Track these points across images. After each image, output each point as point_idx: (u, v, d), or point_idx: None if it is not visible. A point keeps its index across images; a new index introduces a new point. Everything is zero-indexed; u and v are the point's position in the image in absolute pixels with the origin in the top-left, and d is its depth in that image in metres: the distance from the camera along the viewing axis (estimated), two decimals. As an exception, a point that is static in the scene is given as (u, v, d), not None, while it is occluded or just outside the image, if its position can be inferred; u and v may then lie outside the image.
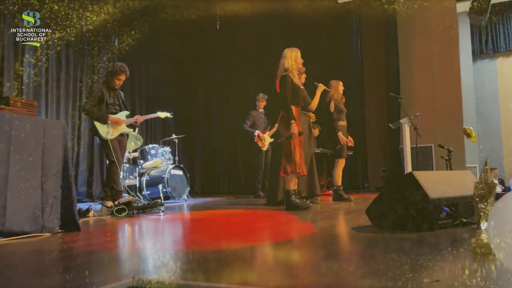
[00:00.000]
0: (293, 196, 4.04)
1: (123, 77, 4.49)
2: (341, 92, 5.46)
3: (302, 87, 4.45)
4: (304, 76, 4.84)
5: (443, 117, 7.69)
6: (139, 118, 4.62)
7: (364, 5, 8.64)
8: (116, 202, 4.16)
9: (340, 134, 5.22)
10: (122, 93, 4.71)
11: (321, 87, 4.86)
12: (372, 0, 8.24)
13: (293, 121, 4.07)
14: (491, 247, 1.31)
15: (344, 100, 5.51)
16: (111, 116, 4.39)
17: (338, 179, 5.26)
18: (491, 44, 10.44)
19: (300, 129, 4.21)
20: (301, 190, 4.61)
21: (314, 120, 5.21)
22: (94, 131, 4.40)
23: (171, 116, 5.38)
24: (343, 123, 5.35)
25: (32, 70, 5.98)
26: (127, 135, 4.74)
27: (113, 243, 2.31)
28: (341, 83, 5.49)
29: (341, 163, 5.30)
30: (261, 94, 7.08)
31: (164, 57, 8.85)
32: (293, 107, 4.17)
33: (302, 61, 4.33)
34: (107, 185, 4.41)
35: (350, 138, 5.45)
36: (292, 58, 4.20)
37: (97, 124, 4.34)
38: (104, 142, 4.38)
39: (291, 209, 3.95)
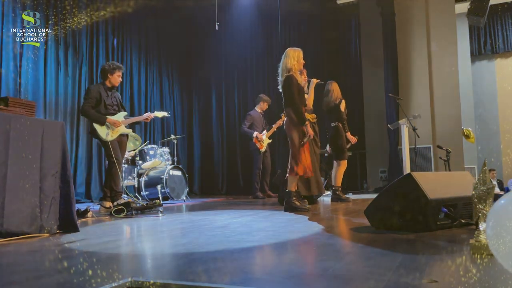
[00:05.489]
0: (294, 198, 4.04)
1: (120, 73, 4.53)
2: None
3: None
4: (303, 76, 4.80)
5: (442, 118, 7.72)
6: (151, 115, 4.71)
7: (363, 5, 8.66)
8: (115, 203, 4.16)
9: (349, 134, 5.22)
10: (119, 95, 4.72)
11: (314, 82, 4.82)
12: (371, 1, 8.25)
13: (307, 122, 4.11)
14: (490, 247, 1.31)
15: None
16: (109, 118, 4.36)
17: (339, 180, 5.25)
18: (489, 45, 10.46)
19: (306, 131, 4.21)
20: (301, 190, 4.60)
21: (314, 121, 5.13)
22: (94, 133, 4.37)
23: (169, 115, 5.38)
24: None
25: (31, 70, 5.97)
26: (127, 135, 4.74)
27: (111, 243, 2.31)
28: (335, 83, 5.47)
29: (343, 165, 5.26)
30: (264, 96, 7.01)
31: (164, 57, 8.85)
32: None
33: (304, 62, 4.31)
34: (107, 185, 4.39)
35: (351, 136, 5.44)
36: (295, 58, 4.16)
37: (96, 126, 4.32)
38: (104, 143, 4.36)
39: (290, 210, 3.96)
